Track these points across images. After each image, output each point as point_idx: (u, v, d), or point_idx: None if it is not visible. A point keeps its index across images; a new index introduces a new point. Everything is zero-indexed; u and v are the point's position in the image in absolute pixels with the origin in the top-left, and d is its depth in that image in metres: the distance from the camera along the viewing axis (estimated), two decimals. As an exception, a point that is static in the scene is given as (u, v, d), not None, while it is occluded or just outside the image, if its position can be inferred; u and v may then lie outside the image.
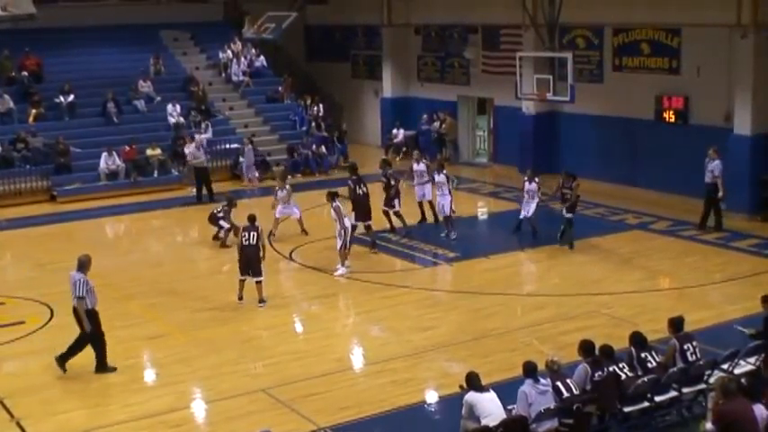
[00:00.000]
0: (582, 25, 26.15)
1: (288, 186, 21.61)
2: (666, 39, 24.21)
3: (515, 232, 20.88)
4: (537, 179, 20.56)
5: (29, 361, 14.27)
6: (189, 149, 26.37)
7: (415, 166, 22.15)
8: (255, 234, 16.43)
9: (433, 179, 21.30)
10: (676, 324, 11.87)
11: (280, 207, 21.15)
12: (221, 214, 20.51)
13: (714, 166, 20.72)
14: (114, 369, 13.65)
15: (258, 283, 16.51)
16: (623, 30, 25.30)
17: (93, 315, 13.53)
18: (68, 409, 12.45)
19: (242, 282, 16.54)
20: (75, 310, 13.53)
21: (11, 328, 15.64)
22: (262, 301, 16.50)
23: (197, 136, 26.84)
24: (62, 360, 13.57)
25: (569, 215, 19.75)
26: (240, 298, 16.55)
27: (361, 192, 19.81)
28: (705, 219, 20.98)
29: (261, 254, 16.51)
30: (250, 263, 16.43)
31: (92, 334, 13.49)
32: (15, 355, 14.56)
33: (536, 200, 20.28)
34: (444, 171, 21.11)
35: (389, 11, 32.80)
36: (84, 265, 13.63)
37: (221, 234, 20.55)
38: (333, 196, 18.19)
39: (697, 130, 23.14)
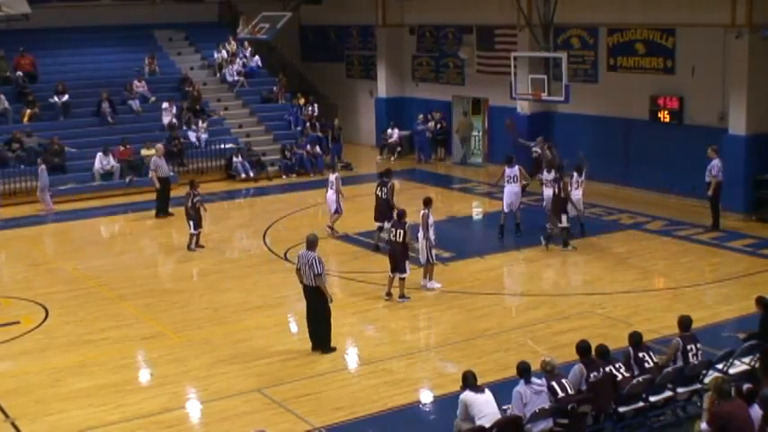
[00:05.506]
0: (577, 25, 26.17)
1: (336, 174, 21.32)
2: (661, 39, 24.23)
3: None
4: None
5: (24, 361, 14.24)
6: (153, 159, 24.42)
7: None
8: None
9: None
10: (684, 323, 11.84)
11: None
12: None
13: (712, 165, 20.77)
14: (334, 349, 14.16)
15: None
16: (618, 30, 25.31)
17: (321, 293, 14.03)
18: (63, 409, 12.41)
19: None
20: (306, 288, 14.06)
21: (6, 328, 15.62)
22: None
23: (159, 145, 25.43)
24: (325, 348, 14.10)
25: None
26: None
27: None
28: (716, 219, 21.07)
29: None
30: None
31: (326, 310, 14.08)
32: (10, 356, 14.53)
33: None
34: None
35: (384, 11, 32.79)
36: (312, 244, 14.13)
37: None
38: (426, 203, 17.20)
39: (692, 131, 23.16)
